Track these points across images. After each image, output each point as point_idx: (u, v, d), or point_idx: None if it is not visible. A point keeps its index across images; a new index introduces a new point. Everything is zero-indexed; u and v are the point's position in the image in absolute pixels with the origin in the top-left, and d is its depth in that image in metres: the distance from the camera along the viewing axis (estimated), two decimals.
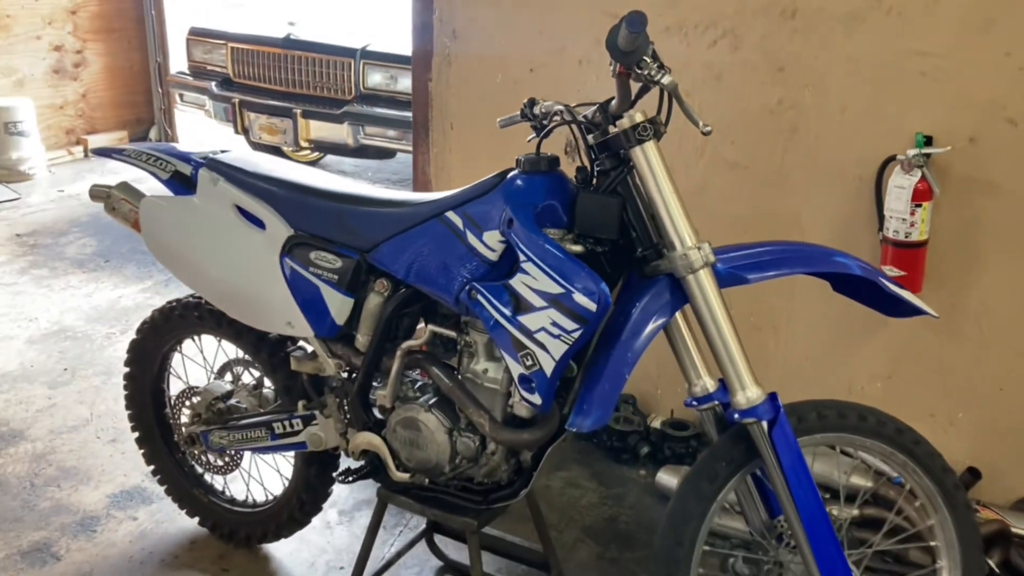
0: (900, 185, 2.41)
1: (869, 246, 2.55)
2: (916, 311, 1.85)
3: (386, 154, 5.42)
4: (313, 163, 6.36)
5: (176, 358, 2.52)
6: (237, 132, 5.55)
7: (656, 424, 2.95)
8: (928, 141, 2.40)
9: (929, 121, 2.41)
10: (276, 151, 5.84)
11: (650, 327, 1.69)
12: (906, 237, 2.44)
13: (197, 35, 5.71)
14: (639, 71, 1.58)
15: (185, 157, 2.20)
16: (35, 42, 5.90)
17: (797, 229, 2.66)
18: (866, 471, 2.47)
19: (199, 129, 6.60)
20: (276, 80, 5.33)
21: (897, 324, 2.59)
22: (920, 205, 2.40)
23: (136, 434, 2.56)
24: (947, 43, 2.36)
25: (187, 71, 5.85)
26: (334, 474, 2.23)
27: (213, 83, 5.59)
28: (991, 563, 2.41)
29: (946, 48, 2.36)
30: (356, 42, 5.11)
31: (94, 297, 4.12)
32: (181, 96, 5.87)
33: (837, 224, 2.61)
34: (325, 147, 5.49)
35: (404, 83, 4.81)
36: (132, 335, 2.47)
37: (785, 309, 2.75)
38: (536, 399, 1.74)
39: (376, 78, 5.02)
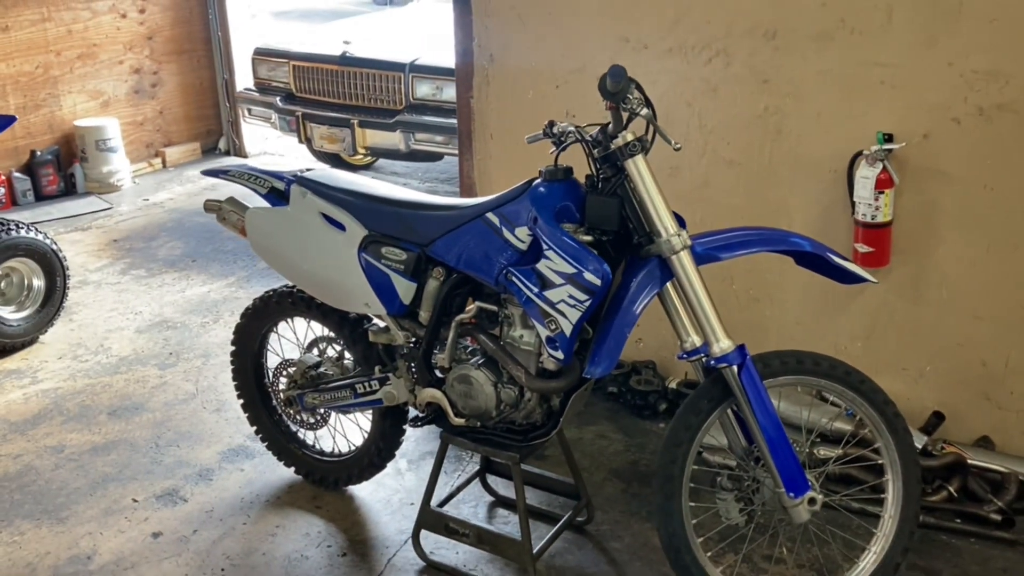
0: (865, 176, 2.88)
1: (845, 227, 3.02)
2: (861, 278, 2.33)
3: (434, 157, 5.91)
4: (367, 166, 6.91)
5: (272, 337, 3.08)
6: (300, 142, 6.11)
7: (673, 385, 3.45)
8: (889, 138, 2.86)
9: (889, 121, 2.88)
10: (336, 158, 6.39)
11: (644, 296, 2.21)
12: (872, 219, 2.91)
13: (262, 55, 6.24)
14: (624, 106, 2.09)
15: (279, 176, 2.75)
16: (118, 66, 6.53)
17: (785, 215, 3.13)
18: (850, 418, 2.94)
19: (263, 139, 7.21)
20: (334, 94, 5.83)
21: (871, 292, 3.06)
22: (883, 192, 2.87)
23: (241, 400, 3.13)
24: (900, 56, 2.82)
25: (253, 87, 6.37)
26: (408, 419, 2.77)
27: (278, 98, 6.11)
28: (951, 489, 2.87)
29: (900, 60, 2.82)
30: (405, 57, 5.58)
31: (186, 292, 4.72)
32: (249, 111, 6.41)
33: (818, 210, 3.09)
34: (380, 153, 5.97)
35: (449, 93, 5.24)
36: (223, 323, 3.03)
37: (778, 283, 3.23)
38: (560, 355, 2.26)
39: (424, 89, 5.50)
